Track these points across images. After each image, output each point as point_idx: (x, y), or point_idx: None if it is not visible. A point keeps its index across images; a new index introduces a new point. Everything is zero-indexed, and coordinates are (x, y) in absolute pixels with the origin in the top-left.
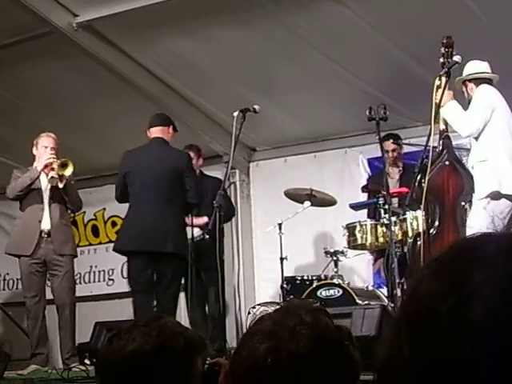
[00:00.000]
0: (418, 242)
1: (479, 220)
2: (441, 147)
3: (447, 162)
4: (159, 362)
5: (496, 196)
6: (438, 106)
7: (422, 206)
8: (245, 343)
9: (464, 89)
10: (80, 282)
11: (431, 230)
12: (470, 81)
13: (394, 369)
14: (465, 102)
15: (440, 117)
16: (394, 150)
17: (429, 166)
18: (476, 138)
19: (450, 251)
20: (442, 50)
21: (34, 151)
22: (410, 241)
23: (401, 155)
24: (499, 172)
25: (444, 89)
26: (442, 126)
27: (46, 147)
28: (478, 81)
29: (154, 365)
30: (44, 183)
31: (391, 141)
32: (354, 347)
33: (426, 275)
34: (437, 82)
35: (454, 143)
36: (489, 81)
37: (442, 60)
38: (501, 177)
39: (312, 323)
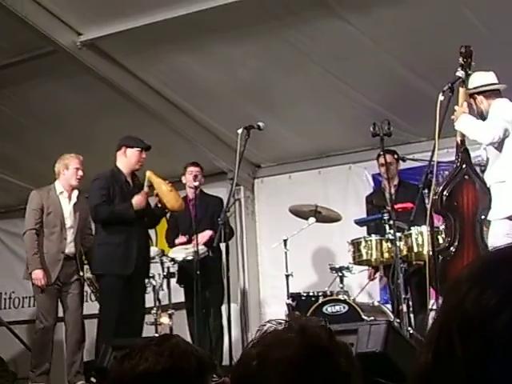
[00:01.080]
0: (440, 257)
1: (499, 243)
2: (459, 161)
3: (466, 176)
4: (171, 381)
5: None
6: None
7: (427, 222)
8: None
9: (472, 101)
10: (86, 300)
11: (451, 247)
12: (478, 93)
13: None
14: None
15: (457, 130)
16: (390, 164)
17: (433, 181)
18: (493, 157)
19: (490, 262)
20: (460, 60)
21: (64, 171)
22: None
23: (397, 170)
24: None
25: (462, 100)
26: (459, 139)
27: (78, 169)
28: (487, 93)
29: None
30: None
31: (389, 155)
32: (348, 364)
33: (471, 286)
34: (440, 98)
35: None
36: (497, 91)
37: (460, 70)
38: None
39: (301, 332)
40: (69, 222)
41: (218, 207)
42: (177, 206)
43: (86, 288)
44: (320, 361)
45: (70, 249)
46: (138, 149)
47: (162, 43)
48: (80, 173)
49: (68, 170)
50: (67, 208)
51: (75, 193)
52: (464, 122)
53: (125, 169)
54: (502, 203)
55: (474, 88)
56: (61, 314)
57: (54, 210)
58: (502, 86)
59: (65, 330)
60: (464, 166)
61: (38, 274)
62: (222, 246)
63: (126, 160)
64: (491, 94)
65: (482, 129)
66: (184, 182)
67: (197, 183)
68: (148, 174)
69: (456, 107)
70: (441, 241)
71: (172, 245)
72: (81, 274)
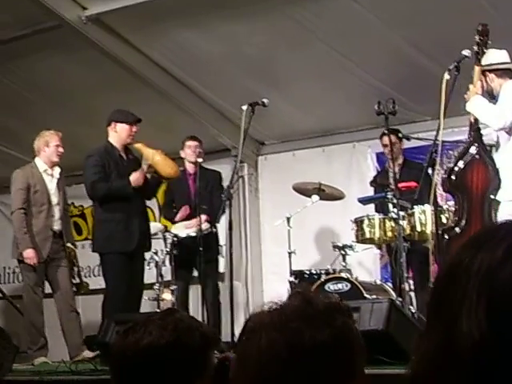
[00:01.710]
0: (446, 236)
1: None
2: (471, 140)
3: (477, 156)
4: (175, 355)
5: None
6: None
7: (431, 201)
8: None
9: (483, 78)
10: (90, 275)
11: (457, 227)
12: (490, 71)
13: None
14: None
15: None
16: (393, 144)
17: (437, 160)
18: (504, 140)
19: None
20: (477, 38)
21: (45, 149)
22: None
23: (401, 150)
24: None
25: (477, 78)
26: (472, 118)
27: (58, 146)
28: (499, 71)
29: (169, 359)
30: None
31: (392, 135)
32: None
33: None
34: (446, 77)
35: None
36: (509, 71)
37: (476, 48)
38: None
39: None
40: (55, 198)
41: (217, 182)
42: (172, 172)
43: None
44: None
45: (58, 225)
46: (128, 123)
47: (167, 19)
48: (60, 149)
49: (49, 148)
50: (52, 185)
51: (57, 169)
52: (476, 104)
53: (117, 143)
54: (508, 185)
55: (487, 65)
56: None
57: (40, 188)
58: None
59: (57, 304)
60: (476, 145)
61: (29, 253)
62: (223, 222)
63: (117, 135)
64: (503, 73)
65: (493, 113)
66: (183, 156)
67: (200, 159)
68: (138, 145)
69: (470, 86)
70: (444, 220)
71: (173, 221)
72: (68, 244)
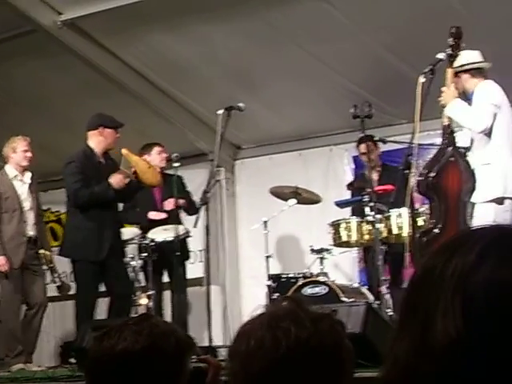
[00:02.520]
0: (424, 239)
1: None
2: (445, 143)
3: (452, 158)
4: (150, 361)
5: (500, 201)
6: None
7: (406, 203)
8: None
9: (456, 80)
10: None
11: (435, 229)
12: (464, 72)
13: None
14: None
15: (443, 113)
16: (371, 151)
17: (413, 163)
18: (478, 140)
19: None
20: (450, 40)
21: (11, 154)
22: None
23: (378, 155)
24: (504, 176)
25: (450, 81)
26: (446, 122)
27: (26, 151)
28: (473, 71)
29: (144, 364)
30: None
31: (368, 142)
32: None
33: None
34: (421, 80)
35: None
36: (482, 71)
37: (449, 51)
38: (505, 181)
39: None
40: (27, 204)
41: (181, 186)
42: (155, 181)
43: None
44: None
45: (32, 231)
46: (115, 128)
47: (143, 23)
48: (28, 154)
49: (16, 153)
50: (23, 190)
51: (28, 174)
52: (456, 108)
53: (98, 148)
54: (486, 186)
55: (460, 66)
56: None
57: (11, 195)
58: (487, 65)
59: (29, 310)
60: (450, 148)
61: (0, 261)
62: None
63: (103, 140)
64: (476, 72)
65: (474, 117)
66: (147, 159)
67: (164, 164)
68: (124, 152)
69: (444, 88)
70: (420, 223)
71: (147, 223)
72: (40, 251)
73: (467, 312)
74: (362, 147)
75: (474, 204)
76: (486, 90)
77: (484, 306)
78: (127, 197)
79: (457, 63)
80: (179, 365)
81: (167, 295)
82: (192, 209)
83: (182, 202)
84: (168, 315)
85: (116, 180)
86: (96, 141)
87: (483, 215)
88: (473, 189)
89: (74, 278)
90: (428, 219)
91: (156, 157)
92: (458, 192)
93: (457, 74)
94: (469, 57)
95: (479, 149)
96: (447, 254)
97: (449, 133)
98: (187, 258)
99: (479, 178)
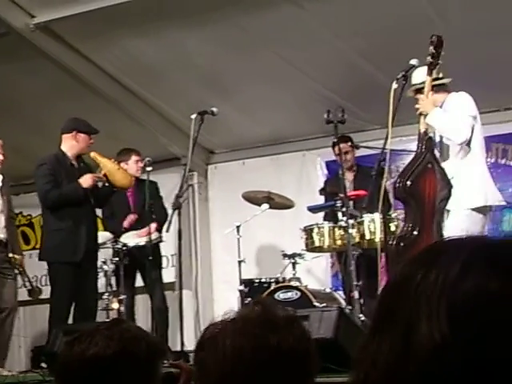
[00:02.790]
0: (401, 244)
1: (459, 231)
2: (423, 149)
3: (429, 165)
4: (121, 366)
5: (481, 210)
6: (421, 113)
7: (379, 209)
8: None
9: (419, 95)
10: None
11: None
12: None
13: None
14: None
15: (420, 119)
16: (346, 153)
17: (386, 169)
18: (457, 149)
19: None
20: (431, 49)
21: None
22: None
23: (354, 157)
24: (483, 185)
25: (428, 89)
26: (423, 129)
27: None
28: (436, 87)
29: (115, 369)
30: None
31: (345, 143)
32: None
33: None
34: (394, 86)
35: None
36: (444, 85)
37: (429, 59)
38: (485, 190)
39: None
40: None
41: (155, 192)
42: (127, 183)
43: None
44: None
45: (2, 234)
46: (89, 133)
47: (117, 27)
48: (0, 157)
49: None
50: None
51: None
52: (437, 118)
53: (71, 152)
54: (467, 195)
55: (422, 83)
56: None
57: None
58: (449, 80)
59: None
60: (428, 154)
61: None
62: (172, 231)
63: (76, 144)
64: (439, 88)
65: (454, 128)
66: (125, 168)
67: (139, 174)
68: (92, 154)
69: (422, 97)
70: (393, 228)
71: (121, 231)
72: (10, 255)
73: (454, 319)
74: (338, 148)
75: (449, 211)
76: (463, 102)
77: (471, 315)
78: (101, 201)
79: (419, 79)
80: (151, 370)
81: (139, 299)
82: (160, 216)
83: (154, 226)
84: (140, 320)
85: (85, 179)
86: (69, 145)
87: (456, 225)
88: (448, 196)
89: (50, 281)
90: (403, 224)
91: (133, 166)
92: (434, 199)
93: (420, 90)
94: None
95: (459, 158)
96: (426, 264)
97: (426, 139)
98: (160, 262)
99: (459, 186)
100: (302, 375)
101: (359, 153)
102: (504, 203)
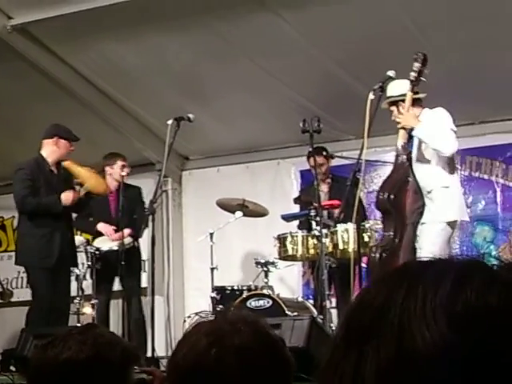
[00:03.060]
0: (383, 255)
1: (431, 244)
2: (403, 161)
3: (410, 178)
4: (94, 371)
5: (453, 225)
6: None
7: (353, 219)
8: (186, 342)
9: (394, 108)
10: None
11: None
12: (403, 101)
13: None
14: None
15: (400, 132)
16: (321, 165)
17: (360, 179)
18: (433, 161)
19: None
20: (416, 65)
21: None
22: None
23: (329, 168)
24: (459, 199)
25: (409, 104)
26: (402, 142)
27: None
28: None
29: (88, 374)
30: None
31: (320, 155)
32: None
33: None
34: (371, 97)
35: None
36: (419, 100)
37: (413, 75)
38: (460, 204)
39: (252, 322)
40: None
41: (138, 197)
42: (102, 189)
43: None
44: (269, 348)
45: None
46: (70, 140)
47: (95, 31)
48: None
49: None
50: None
51: None
52: (425, 131)
53: (51, 157)
54: (444, 208)
55: (400, 95)
56: None
57: None
58: (424, 95)
59: None
60: (407, 167)
61: None
62: (146, 237)
63: (56, 150)
64: (415, 102)
65: (443, 141)
66: (110, 172)
67: (123, 180)
68: (66, 163)
69: (403, 111)
70: (366, 238)
71: (91, 232)
72: None
73: (454, 326)
74: (313, 160)
75: (423, 224)
76: (444, 117)
77: (474, 322)
78: (79, 208)
79: (395, 92)
80: (123, 375)
81: (114, 304)
82: (139, 221)
83: (127, 232)
84: (115, 324)
85: (67, 197)
86: (49, 150)
87: (432, 236)
88: (423, 210)
89: (29, 284)
90: (382, 234)
91: (117, 171)
92: (410, 212)
93: (395, 103)
94: (404, 87)
95: (437, 169)
96: (404, 284)
97: (407, 153)
98: (139, 268)
99: (437, 199)
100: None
101: (334, 163)
102: (468, 219)
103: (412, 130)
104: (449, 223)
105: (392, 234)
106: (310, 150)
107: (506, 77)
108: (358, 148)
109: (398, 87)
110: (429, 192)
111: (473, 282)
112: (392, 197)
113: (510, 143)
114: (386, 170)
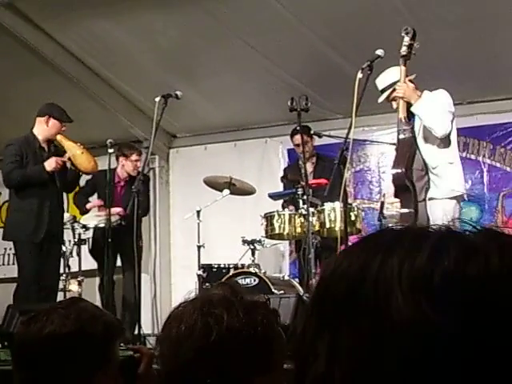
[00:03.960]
0: None
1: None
2: (407, 138)
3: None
4: (77, 345)
5: (460, 198)
6: (408, 104)
7: (340, 198)
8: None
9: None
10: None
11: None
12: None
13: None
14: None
15: (400, 106)
16: (305, 143)
17: (348, 158)
18: (433, 139)
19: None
20: (407, 39)
21: None
22: None
23: (313, 147)
24: (461, 175)
25: (404, 77)
26: (402, 114)
27: None
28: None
29: (72, 348)
30: None
31: (303, 134)
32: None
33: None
34: (359, 76)
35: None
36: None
37: (404, 49)
38: (462, 179)
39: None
40: None
41: (146, 187)
42: (89, 167)
43: None
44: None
45: None
46: (61, 121)
47: (83, 7)
48: None
49: None
50: None
51: None
52: (424, 108)
53: (41, 136)
54: (451, 183)
55: (392, 84)
56: None
57: None
58: (414, 76)
59: None
60: (413, 140)
61: None
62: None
63: (47, 129)
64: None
65: (438, 121)
66: (122, 163)
67: (135, 174)
68: (58, 137)
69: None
70: (353, 217)
71: (83, 210)
72: None
73: (433, 298)
74: (297, 138)
75: (432, 199)
76: (443, 97)
77: (450, 300)
78: (68, 185)
79: (384, 84)
80: (107, 349)
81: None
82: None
83: (117, 210)
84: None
85: (49, 163)
86: (40, 128)
87: (443, 210)
88: (428, 186)
89: (16, 260)
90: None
91: (130, 164)
92: (419, 188)
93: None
94: (392, 74)
95: (440, 148)
96: (378, 252)
97: (410, 127)
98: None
99: (444, 175)
100: (259, 360)
101: (321, 141)
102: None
103: (411, 105)
104: (456, 198)
105: (413, 210)
106: (294, 130)
107: (493, 57)
108: (346, 127)
109: (387, 77)
110: (434, 168)
111: (450, 253)
112: (408, 171)
113: (497, 123)
114: (373, 150)
